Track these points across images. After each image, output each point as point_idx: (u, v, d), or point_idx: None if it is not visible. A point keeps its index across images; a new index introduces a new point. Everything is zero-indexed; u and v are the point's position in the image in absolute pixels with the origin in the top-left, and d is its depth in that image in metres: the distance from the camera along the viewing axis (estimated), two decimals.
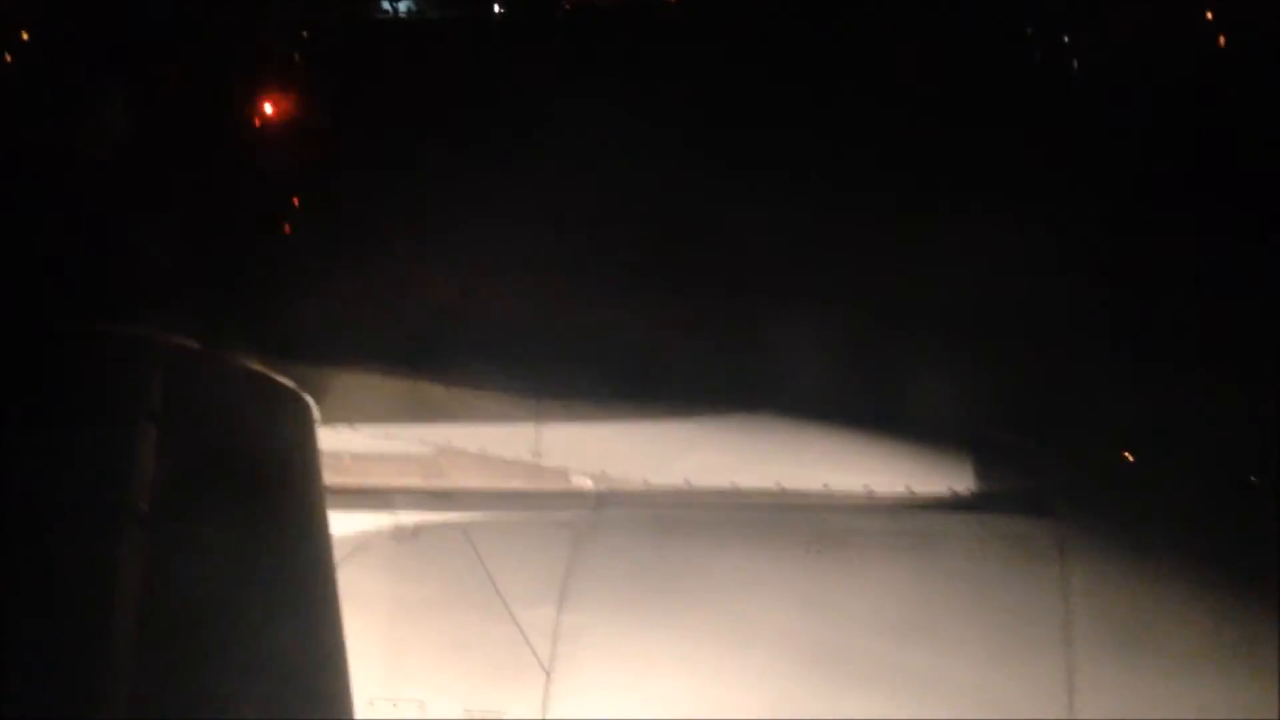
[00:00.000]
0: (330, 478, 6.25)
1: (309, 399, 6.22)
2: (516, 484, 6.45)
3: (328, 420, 6.41)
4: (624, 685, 5.62)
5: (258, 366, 6.04)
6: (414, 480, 6.55)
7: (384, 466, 6.56)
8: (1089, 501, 5.73)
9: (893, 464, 6.14)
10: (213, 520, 4.79)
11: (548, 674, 5.71)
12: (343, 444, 6.53)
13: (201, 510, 4.75)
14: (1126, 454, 6.00)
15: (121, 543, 4.22)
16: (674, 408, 6.40)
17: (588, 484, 6.40)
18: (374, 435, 6.52)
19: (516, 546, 6.10)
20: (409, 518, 6.31)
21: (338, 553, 5.68)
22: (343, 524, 6.15)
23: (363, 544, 6.22)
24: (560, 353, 6.72)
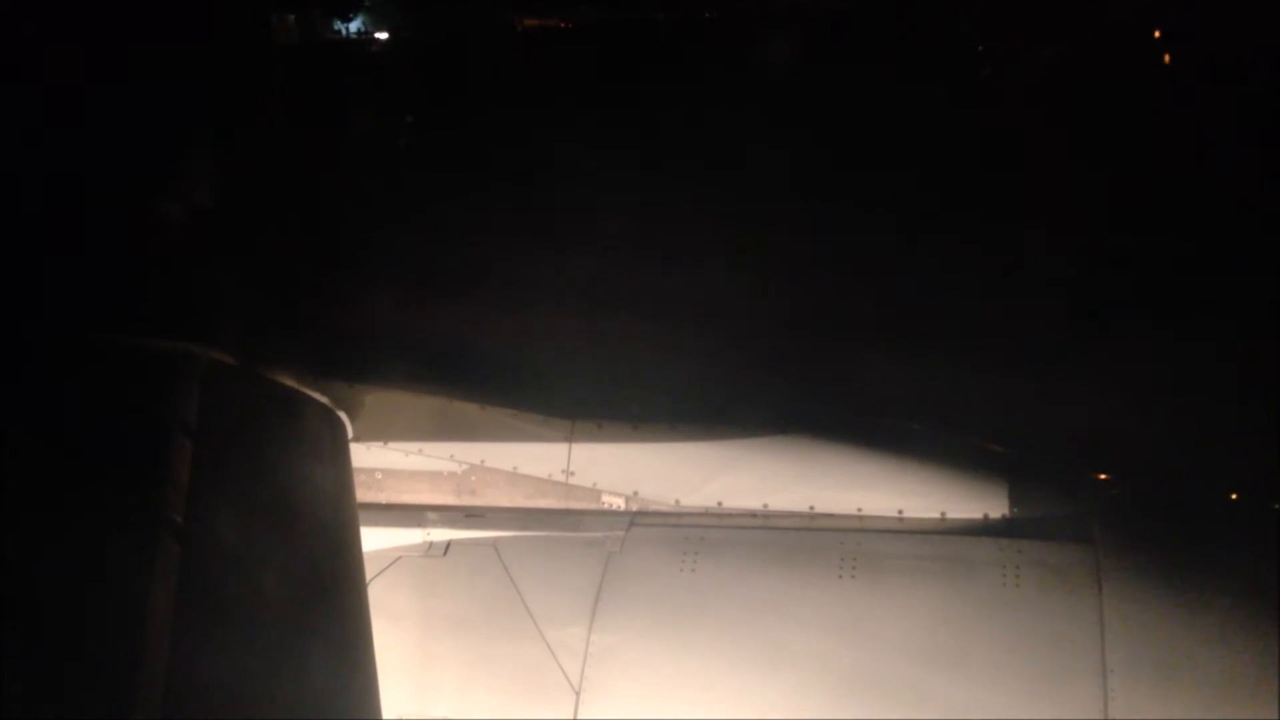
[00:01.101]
0: (363, 494, 6.29)
1: (343, 416, 6.26)
2: (548, 503, 6.46)
3: (361, 437, 6.45)
4: (653, 706, 5.59)
5: (292, 383, 6.08)
6: (446, 498, 6.58)
7: (416, 484, 6.60)
8: (1126, 528, 5.67)
9: (926, 488, 6.10)
10: (245, 534, 4.81)
11: (577, 694, 5.69)
12: (375, 461, 6.58)
13: (234, 524, 4.77)
14: (1165, 480, 5.94)
15: (155, 554, 4.25)
16: (706, 429, 6.40)
17: (619, 504, 6.40)
18: (407, 453, 6.56)
19: (547, 565, 6.10)
20: (440, 535, 6.32)
21: (369, 569, 5.71)
22: (374, 540, 6.19)
23: (394, 560, 6.24)
24: (594, 372, 6.74)
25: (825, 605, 5.67)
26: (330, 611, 5.03)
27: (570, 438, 6.45)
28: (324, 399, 6.20)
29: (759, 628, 5.68)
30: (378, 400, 6.54)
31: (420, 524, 6.39)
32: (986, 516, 5.95)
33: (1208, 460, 5.91)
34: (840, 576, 5.74)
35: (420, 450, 6.57)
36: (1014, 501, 5.94)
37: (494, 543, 6.24)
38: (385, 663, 5.26)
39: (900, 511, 6.05)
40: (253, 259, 6.24)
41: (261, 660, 4.48)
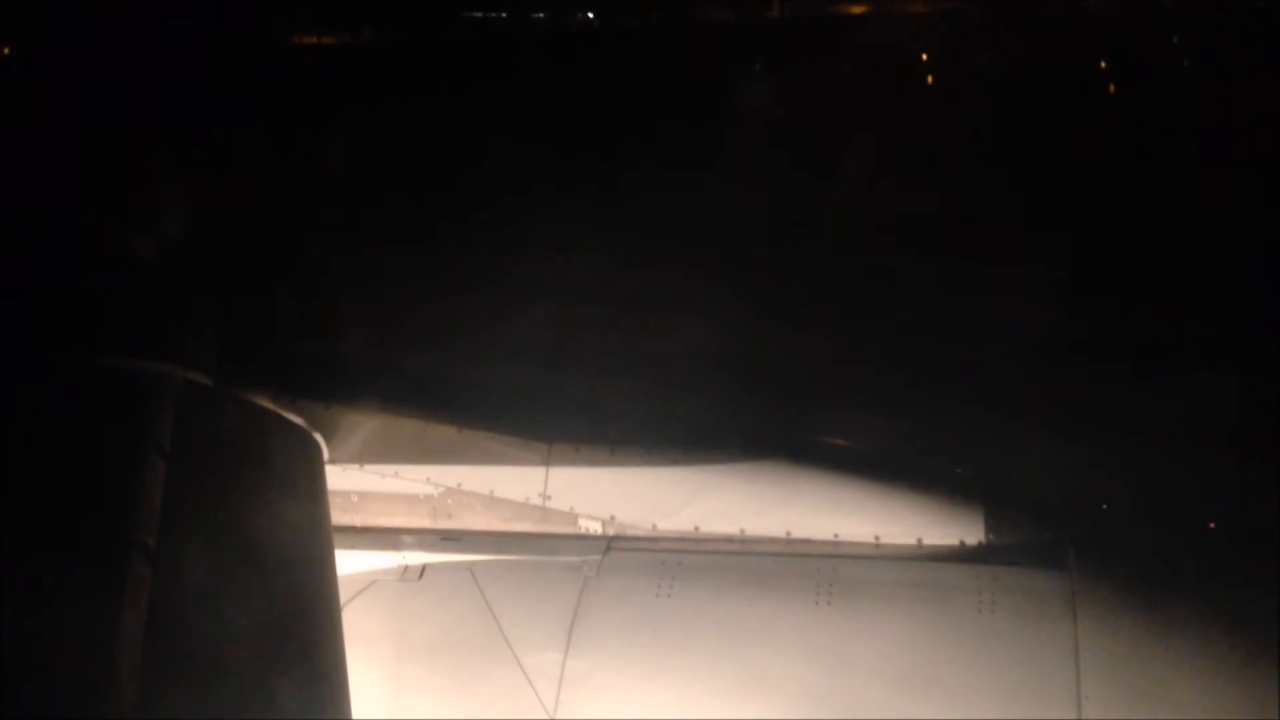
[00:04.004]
0: (338, 517, 6.25)
1: (319, 438, 6.23)
2: (524, 526, 6.44)
3: (337, 459, 6.42)
4: None
5: (268, 404, 6.05)
6: (422, 521, 6.54)
7: (392, 507, 6.55)
8: (1100, 555, 5.69)
9: (903, 514, 6.11)
10: (218, 557, 4.78)
11: (551, 719, 5.67)
12: (351, 483, 6.54)
13: (207, 547, 4.73)
14: (1138, 507, 5.97)
15: (126, 577, 4.21)
16: (684, 453, 6.39)
17: (596, 528, 6.37)
18: (383, 475, 6.52)
19: (523, 589, 6.07)
20: (416, 558, 6.29)
21: (344, 592, 5.66)
22: (350, 563, 6.14)
23: (369, 583, 6.20)
24: (571, 396, 6.73)
25: (802, 630, 5.66)
26: (303, 635, 4.99)
27: (548, 461, 6.43)
28: (300, 421, 6.17)
29: (735, 653, 5.66)
30: (354, 422, 6.51)
31: (396, 547, 6.36)
32: (962, 543, 5.95)
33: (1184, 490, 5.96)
34: (817, 602, 5.74)
35: (397, 473, 6.54)
36: (990, 528, 5.96)
37: (470, 566, 6.21)
38: (359, 687, 5.22)
39: (877, 537, 6.06)
40: (230, 281, 6.24)
41: (232, 685, 4.44)
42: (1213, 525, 5.78)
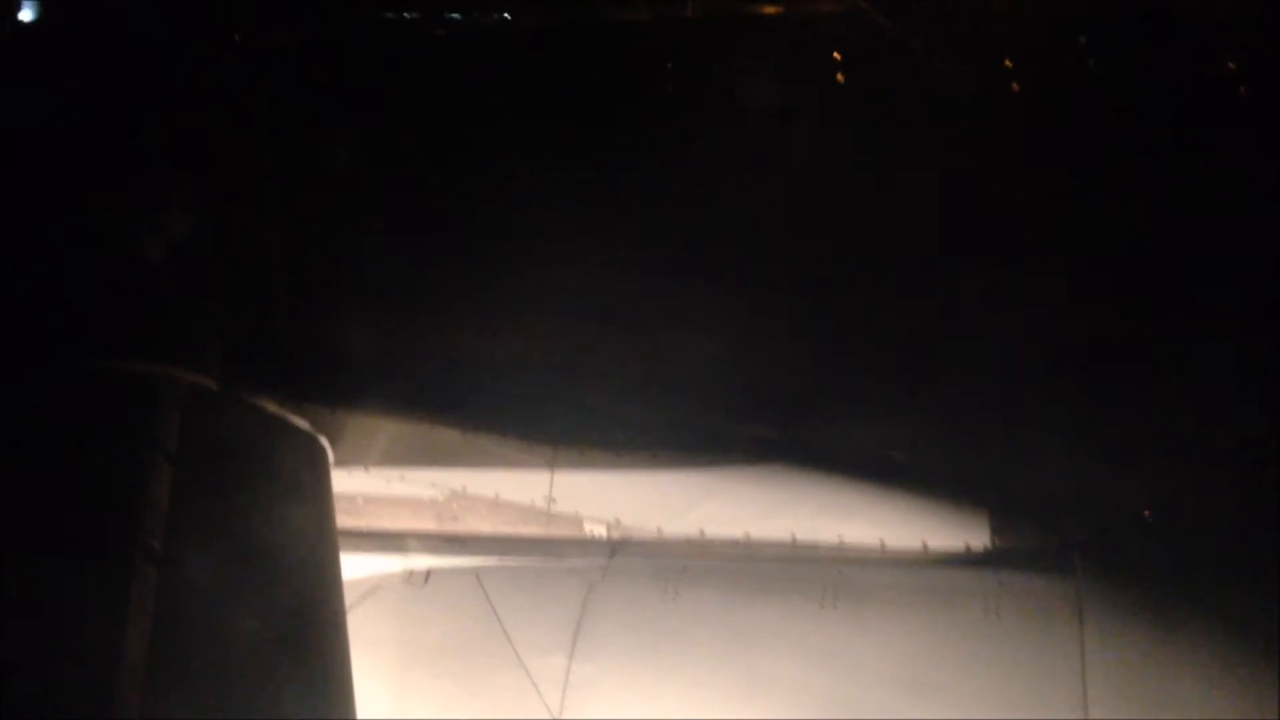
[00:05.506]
0: (343, 520, 6.25)
1: (324, 441, 6.22)
2: (530, 530, 6.43)
3: (342, 463, 6.41)
4: None
5: (274, 408, 6.05)
6: (427, 524, 6.54)
7: (397, 510, 6.55)
8: (1107, 558, 5.68)
9: (908, 518, 6.09)
10: (224, 560, 4.79)
11: None
12: (357, 486, 6.53)
13: (214, 550, 4.74)
14: (1146, 510, 5.95)
15: (132, 580, 4.22)
16: (689, 457, 6.38)
17: (601, 532, 6.37)
18: (388, 479, 6.51)
19: (528, 593, 6.07)
20: (421, 562, 6.29)
21: (349, 596, 5.67)
22: (355, 567, 6.15)
23: (374, 587, 6.20)
24: (576, 400, 6.71)
25: (807, 635, 5.66)
26: (308, 639, 5.00)
27: (553, 465, 6.42)
28: (306, 425, 6.17)
29: (740, 657, 5.66)
30: (360, 425, 6.50)
31: (401, 551, 6.35)
32: (968, 547, 5.94)
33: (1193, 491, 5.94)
34: (822, 606, 5.73)
35: (402, 477, 6.53)
36: (995, 532, 5.94)
37: (475, 570, 6.21)
38: (364, 690, 5.23)
39: (882, 541, 6.04)
40: (235, 282, 6.24)
41: (238, 689, 4.44)
42: (1219, 530, 5.77)
